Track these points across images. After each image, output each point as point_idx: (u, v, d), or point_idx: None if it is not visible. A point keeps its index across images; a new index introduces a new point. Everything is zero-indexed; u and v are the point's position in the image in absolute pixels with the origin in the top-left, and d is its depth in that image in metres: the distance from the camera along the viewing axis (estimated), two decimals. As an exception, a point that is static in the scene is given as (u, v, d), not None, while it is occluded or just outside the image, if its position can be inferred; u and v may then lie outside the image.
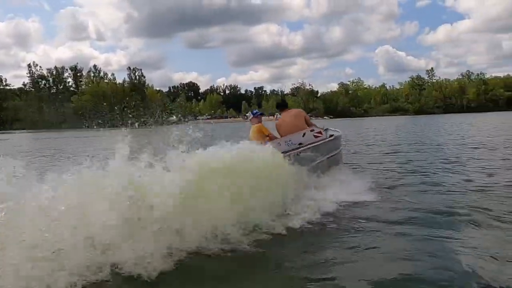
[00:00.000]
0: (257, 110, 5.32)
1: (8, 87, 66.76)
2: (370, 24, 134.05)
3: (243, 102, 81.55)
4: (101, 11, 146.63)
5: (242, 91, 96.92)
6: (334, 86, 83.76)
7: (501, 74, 76.07)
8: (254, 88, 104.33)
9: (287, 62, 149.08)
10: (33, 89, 65.59)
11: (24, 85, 67.18)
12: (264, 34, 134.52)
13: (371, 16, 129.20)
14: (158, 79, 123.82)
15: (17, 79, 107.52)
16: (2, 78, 66.73)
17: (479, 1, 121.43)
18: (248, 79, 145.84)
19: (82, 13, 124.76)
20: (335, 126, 5.53)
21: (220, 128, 27.39)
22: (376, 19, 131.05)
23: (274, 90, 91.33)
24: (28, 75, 65.61)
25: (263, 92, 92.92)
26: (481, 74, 73.71)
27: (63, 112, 61.45)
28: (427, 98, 69.99)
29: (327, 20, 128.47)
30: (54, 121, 59.49)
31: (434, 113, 63.84)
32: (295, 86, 74.96)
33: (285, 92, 78.49)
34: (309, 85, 76.12)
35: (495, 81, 70.96)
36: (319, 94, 74.49)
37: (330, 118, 60.83)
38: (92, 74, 69.36)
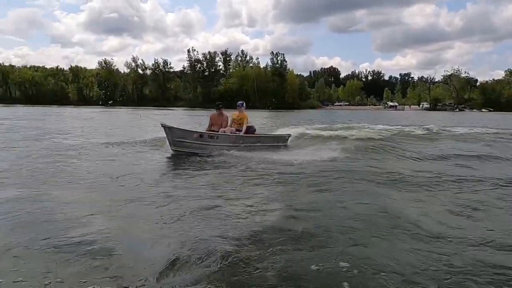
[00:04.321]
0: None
1: (171, 70, 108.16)
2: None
3: (386, 89, 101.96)
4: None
5: (386, 78, 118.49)
6: (500, 74, 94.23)
7: None
8: (400, 74, 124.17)
9: (442, 46, 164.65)
10: (190, 72, 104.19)
11: (184, 68, 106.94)
12: (418, 16, 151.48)
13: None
14: (301, 64, 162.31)
15: (181, 63, 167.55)
16: (167, 62, 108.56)
17: None
18: (394, 64, 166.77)
19: (237, 1, 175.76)
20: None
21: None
22: None
23: (422, 77, 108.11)
24: (187, 59, 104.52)
25: (410, 79, 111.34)
26: None
27: (213, 92, 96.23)
28: None
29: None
30: (205, 101, 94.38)
31: None
32: (448, 73, 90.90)
33: (435, 80, 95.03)
34: (465, 72, 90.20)
35: None
36: (477, 83, 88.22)
37: (490, 111, 72.40)
38: (240, 59, 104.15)
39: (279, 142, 9.98)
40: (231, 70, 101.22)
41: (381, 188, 5.22)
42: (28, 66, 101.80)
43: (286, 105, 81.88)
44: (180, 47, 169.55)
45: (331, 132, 12.82)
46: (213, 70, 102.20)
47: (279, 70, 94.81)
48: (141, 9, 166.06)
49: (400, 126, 16.57)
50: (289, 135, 10.61)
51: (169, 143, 7.95)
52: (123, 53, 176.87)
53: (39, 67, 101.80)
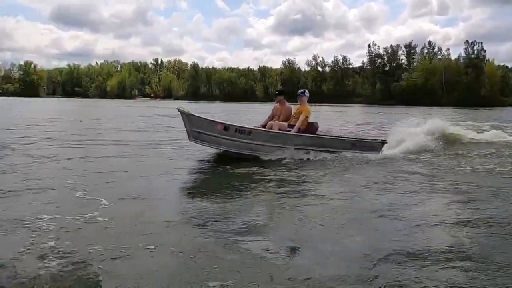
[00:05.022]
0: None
1: (350, 66, 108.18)
2: None
3: None
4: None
5: None
6: None
7: None
8: None
9: None
10: (369, 67, 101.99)
11: (363, 63, 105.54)
12: None
13: None
14: (506, 53, 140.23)
15: (360, 58, 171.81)
16: (347, 58, 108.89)
17: None
18: None
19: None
20: None
21: None
22: None
23: None
24: (367, 54, 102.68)
25: None
26: None
27: (394, 88, 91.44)
28: None
29: None
30: (384, 97, 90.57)
31: None
32: None
33: None
34: None
35: None
36: None
37: None
38: (426, 51, 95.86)
39: (362, 149, 7.43)
40: (415, 64, 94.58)
41: None
42: (226, 68, 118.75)
43: (483, 102, 71.70)
44: (360, 42, 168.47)
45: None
46: (394, 64, 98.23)
47: (474, 61, 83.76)
48: (324, 8, 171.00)
49: None
50: (384, 141, 7.84)
51: (187, 134, 6.51)
52: (305, 52, 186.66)
53: (234, 68, 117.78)
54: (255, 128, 7.05)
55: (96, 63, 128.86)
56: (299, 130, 7.10)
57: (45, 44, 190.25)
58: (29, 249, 2.75)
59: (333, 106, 62.95)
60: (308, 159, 6.86)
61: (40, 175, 5.27)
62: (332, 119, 23.78)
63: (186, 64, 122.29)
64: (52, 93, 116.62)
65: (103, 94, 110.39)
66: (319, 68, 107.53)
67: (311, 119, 7.58)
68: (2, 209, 3.68)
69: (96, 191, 4.49)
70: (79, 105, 41.73)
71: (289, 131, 7.07)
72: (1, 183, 4.75)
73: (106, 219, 3.47)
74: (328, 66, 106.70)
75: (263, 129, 7.06)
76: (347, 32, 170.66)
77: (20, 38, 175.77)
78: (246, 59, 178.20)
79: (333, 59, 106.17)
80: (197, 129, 6.39)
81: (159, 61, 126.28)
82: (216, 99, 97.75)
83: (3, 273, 2.38)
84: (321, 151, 7.08)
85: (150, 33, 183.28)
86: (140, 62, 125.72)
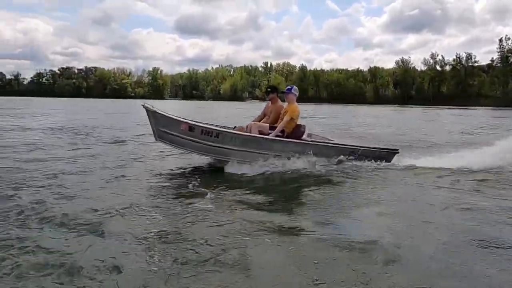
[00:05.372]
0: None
1: (475, 64, 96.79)
2: None
3: None
4: None
5: None
6: None
7: None
8: None
9: None
10: (500, 65, 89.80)
11: (492, 60, 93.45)
12: None
13: None
14: None
15: (488, 55, 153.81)
16: (472, 55, 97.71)
17: None
18: None
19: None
20: None
21: None
22: None
23: None
24: (498, 50, 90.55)
25: None
26: None
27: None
28: None
29: None
30: (517, 99, 78.35)
31: None
32: None
33: None
34: None
35: None
36: None
37: None
38: None
39: (364, 159, 6.37)
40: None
41: None
42: (334, 69, 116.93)
43: None
44: (489, 37, 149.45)
45: None
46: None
47: None
48: (445, 1, 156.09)
49: None
50: (395, 151, 6.66)
51: (153, 134, 5.84)
52: (421, 50, 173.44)
53: (343, 69, 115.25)
54: (224, 130, 6.01)
55: (212, 68, 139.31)
56: (283, 133, 6.14)
57: (170, 52, 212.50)
58: (145, 234, 3.05)
59: (453, 108, 57.19)
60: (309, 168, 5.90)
61: (161, 167, 5.90)
62: (451, 122, 21.61)
63: (294, 66, 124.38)
64: (174, 96, 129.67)
65: (217, 96, 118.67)
66: (438, 67, 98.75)
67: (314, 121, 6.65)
68: (125, 195, 4.19)
69: (207, 184, 4.80)
70: (199, 107, 45.21)
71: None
72: (129, 172, 5.47)
73: (214, 208, 3.76)
74: (449, 65, 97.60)
75: (233, 131, 6.00)
76: (473, 26, 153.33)
77: (149, 47, 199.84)
78: (356, 60, 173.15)
79: (455, 57, 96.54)
80: (163, 128, 5.74)
81: (269, 64, 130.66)
82: (323, 101, 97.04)
83: (123, 253, 2.66)
84: (315, 160, 6.02)
85: (261, 37, 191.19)
86: (251, 66, 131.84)
